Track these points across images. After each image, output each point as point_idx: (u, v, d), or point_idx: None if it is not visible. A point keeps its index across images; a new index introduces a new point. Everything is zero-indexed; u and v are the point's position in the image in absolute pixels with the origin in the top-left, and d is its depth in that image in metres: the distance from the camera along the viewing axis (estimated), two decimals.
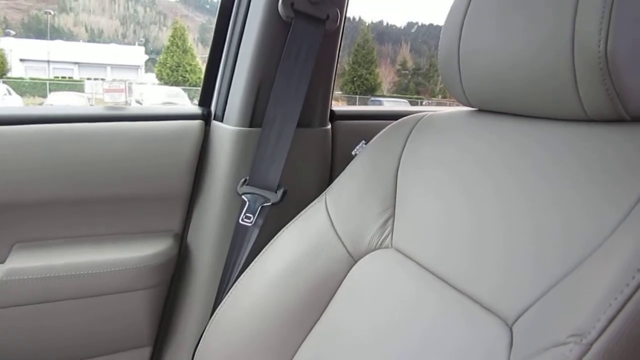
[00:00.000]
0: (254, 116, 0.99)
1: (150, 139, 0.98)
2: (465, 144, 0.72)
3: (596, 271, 0.47)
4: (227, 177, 0.99)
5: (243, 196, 0.96)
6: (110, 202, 0.98)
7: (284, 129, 0.95)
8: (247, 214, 0.95)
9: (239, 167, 0.99)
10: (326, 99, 1.06)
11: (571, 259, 0.51)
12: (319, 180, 1.08)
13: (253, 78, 0.98)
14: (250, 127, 0.99)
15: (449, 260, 0.66)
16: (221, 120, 1.04)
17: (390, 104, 18.29)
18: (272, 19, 0.94)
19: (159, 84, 23.10)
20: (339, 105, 1.17)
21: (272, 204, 0.95)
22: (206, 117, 1.05)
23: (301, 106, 0.95)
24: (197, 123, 1.03)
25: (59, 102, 11.83)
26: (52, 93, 15.37)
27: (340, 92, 24.98)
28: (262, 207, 0.95)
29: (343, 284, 0.79)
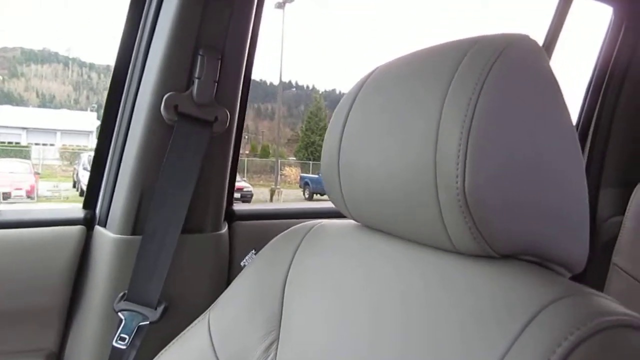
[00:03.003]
0: (137, 223, 0.92)
1: (22, 249, 0.89)
2: (353, 259, 0.66)
3: None
4: (105, 291, 0.90)
5: (120, 313, 0.87)
6: None
7: (166, 237, 0.88)
8: (122, 334, 0.86)
9: (118, 280, 0.90)
10: (219, 202, 1.00)
11: None
12: (213, 291, 1.00)
13: (136, 183, 0.91)
14: (132, 235, 0.92)
15: None
16: (104, 226, 0.96)
17: None
18: (155, 121, 0.89)
19: None
20: (239, 204, 1.12)
21: (151, 322, 0.87)
22: (89, 222, 0.97)
23: (185, 213, 0.89)
24: (77, 229, 0.94)
25: (1, 169, 11.38)
26: None
27: (294, 159, 25.19)
28: (139, 326, 0.86)
29: None
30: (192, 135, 0.89)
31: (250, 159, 21.95)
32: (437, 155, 0.50)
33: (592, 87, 1.54)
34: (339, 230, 0.74)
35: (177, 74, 0.89)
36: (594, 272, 1.50)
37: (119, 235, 0.91)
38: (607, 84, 1.51)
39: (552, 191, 0.52)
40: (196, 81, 0.89)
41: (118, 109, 0.97)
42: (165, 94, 0.87)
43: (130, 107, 0.94)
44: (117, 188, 0.95)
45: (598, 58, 1.53)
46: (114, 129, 0.98)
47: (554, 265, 0.55)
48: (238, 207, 1.11)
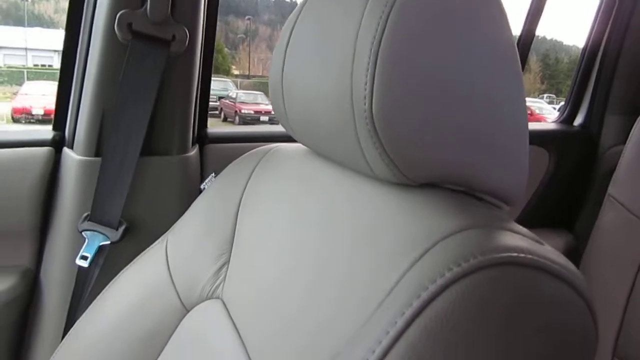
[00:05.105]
0: (100, 145, 0.91)
1: None
2: (299, 183, 0.65)
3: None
4: (71, 212, 0.92)
5: (83, 233, 0.89)
6: None
7: (125, 159, 0.88)
8: (84, 253, 0.88)
9: (83, 201, 0.91)
10: (186, 123, 0.98)
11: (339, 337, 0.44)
12: (181, 214, 1.01)
13: (97, 104, 0.90)
14: (95, 156, 0.91)
15: (257, 322, 0.58)
16: (72, 147, 0.96)
17: None
18: (110, 41, 0.86)
19: None
20: (217, 127, 1.10)
21: (112, 243, 0.88)
22: (57, 143, 0.97)
23: (144, 134, 0.88)
24: (45, 151, 0.95)
25: (34, 91, 11.53)
26: (26, 82, 15.03)
27: None
28: (100, 246, 0.88)
29: (172, 337, 0.72)
30: (147, 55, 0.86)
31: None
32: (353, 76, 0.46)
33: (602, 8, 1.43)
34: (292, 154, 0.72)
35: None
36: (591, 203, 1.46)
37: (83, 157, 0.91)
38: (618, 5, 1.40)
39: (482, 113, 0.47)
40: None
41: (79, 28, 0.95)
42: (119, 11, 0.84)
43: (89, 26, 0.91)
44: (81, 109, 0.94)
45: None
46: (76, 49, 0.96)
47: (485, 195, 0.52)
48: (212, 129, 1.09)
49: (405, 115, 0.44)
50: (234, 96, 12.47)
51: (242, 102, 12.11)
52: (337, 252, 0.52)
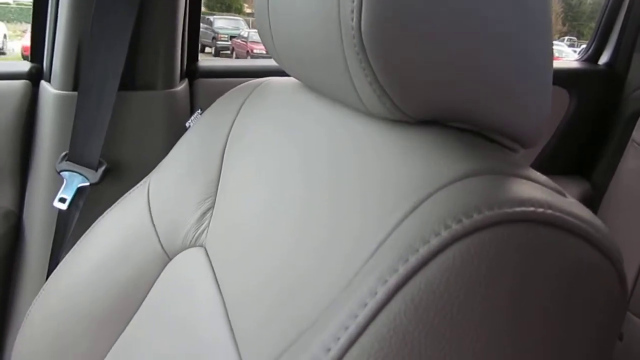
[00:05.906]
0: (78, 78, 0.84)
1: None
2: (290, 118, 0.58)
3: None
4: (50, 150, 0.86)
5: (62, 174, 0.83)
6: None
7: (103, 93, 0.81)
8: (63, 195, 0.82)
9: (61, 139, 0.85)
10: (171, 55, 0.90)
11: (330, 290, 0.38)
12: (167, 153, 0.95)
13: (72, 32, 0.82)
14: (73, 90, 0.85)
15: (237, 273, 0.53)
16: (49, 81, 0.89)
17: None
18: None
19: None
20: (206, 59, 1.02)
21: (92, 184, 0.82)
22: (34, 76, 0.90)
23: (122, 66, 0.81)
24: (21, 84, 0.88)
25: None
26: None
27: None
28: (79, 187, 0.82)
29: (154, 286, 0.68)
30: None
31: None
32: None
33: None
34: (282, 88, 0.65)
35: None
36: (612, 148, 1.37)
37: (60, 91, 0.85)
38: None
39: (497, 38, 0.39)
40: None
41: None
42: None
43: None
44: (57, 39, 0.86)
45: None
46: None
47: (497, 135, 0.44)
48: (204, 62, 1.01)
49: (400, 35, 0.36)
50: (245, 35, 12.21)
51: (254, 42, 11.83)
52: (321, 200, 0.45)
